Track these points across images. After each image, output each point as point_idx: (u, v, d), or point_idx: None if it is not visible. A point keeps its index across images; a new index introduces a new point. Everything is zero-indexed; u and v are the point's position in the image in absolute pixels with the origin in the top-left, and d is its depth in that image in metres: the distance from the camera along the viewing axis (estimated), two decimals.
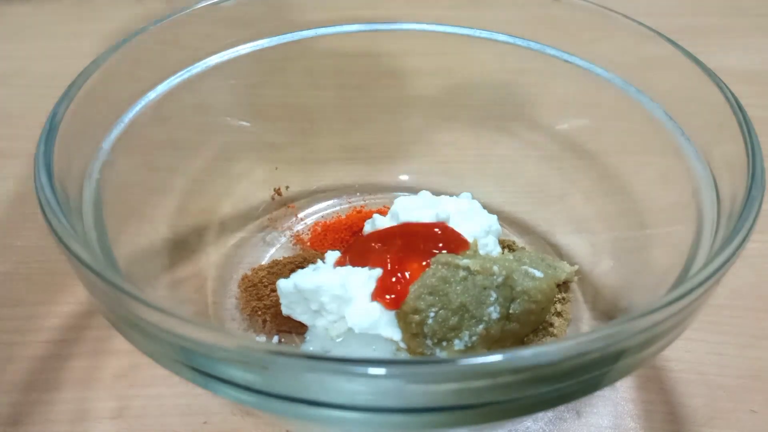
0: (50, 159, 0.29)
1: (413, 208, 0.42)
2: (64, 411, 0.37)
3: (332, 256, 0.41)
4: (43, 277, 0.44)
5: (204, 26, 0.43)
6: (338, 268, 0.39)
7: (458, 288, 0.35)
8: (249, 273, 0.43)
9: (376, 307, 0.36)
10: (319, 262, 0.41)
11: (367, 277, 0.37)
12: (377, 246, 0.39)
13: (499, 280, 0.35)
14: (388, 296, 0.36)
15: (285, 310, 0.38)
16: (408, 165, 0.52)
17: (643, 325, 0.23)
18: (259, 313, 0.40)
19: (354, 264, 0.39)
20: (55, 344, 0.40)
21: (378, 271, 0.38)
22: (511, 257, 0.40)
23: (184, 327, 0.22)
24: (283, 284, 0.38)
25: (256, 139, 0.49)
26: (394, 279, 0.37)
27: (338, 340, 0.37)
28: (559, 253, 0.45)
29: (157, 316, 0.23)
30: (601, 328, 0.22)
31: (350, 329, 0.36)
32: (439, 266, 0.36)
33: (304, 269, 0.40)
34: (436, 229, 0.40)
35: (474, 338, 0.35)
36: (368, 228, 0.44)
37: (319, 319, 0.37)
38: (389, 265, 0.38)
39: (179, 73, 0.41)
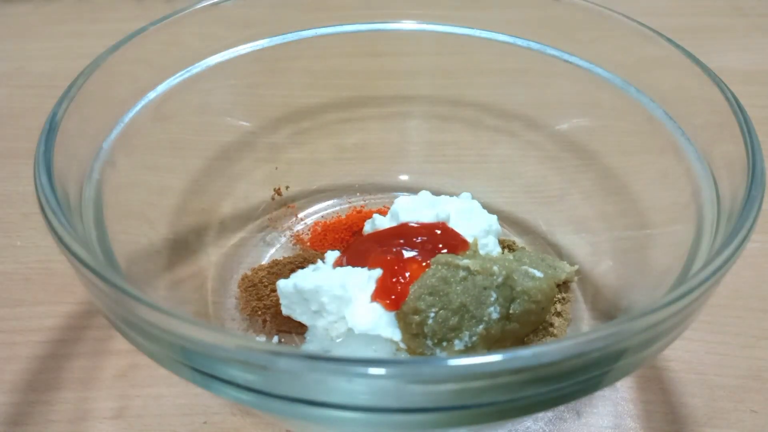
0: (50, 159, 0.29)
1: (413, 208, 0.42)
2: (64, 411, 0.37)
3: (332, 256, 0.41)
4: (43, 277, 0.44)
5: (204, 26, 0.43)
6: (338, 268, 0.39)
7: (458, 288, 0.35)
8: (249, 273, 0.43)
9: (376, 307, 0.36)
10: (319, 262, 0.41)
11: (367, 278, 0.37)
12: (377, 246, 0.39)
13: (499, 280, 0.35)
14: (388, 297, 0.36)
15: (285, 311, 0.38)
16: (408, 165, 0.52)
17: (643, 325, 0.23)
18: (259, 313, 0.40)
19: (354, 264, 0.39)
20: (55, 344, 0.40)
21: (378, 272, 0.38)
22: (511, 257, 0.40)
23: (184, 327, 0.22)
24: (282, 285, 0.38)
25: (256, 139, 0.49)
26: (394, 279, 0.37)
27: (338, 340, 0.37)
28: (559, 253, 0.45)
29: (157, 316, 0.23)
30: (601, 328, 0.22)
31: (350, 330, 0.36)
32: (439, 266, 0.36)
33: (304, 269, 0.40)
34: (436, 230, 0.40)
35: (474, 338, 0.35)
36: (368, 228, 0.44)
37: (319, 319, 0.37)
38: (389, 266, 0.38)
39: (179, 73, 0.41)
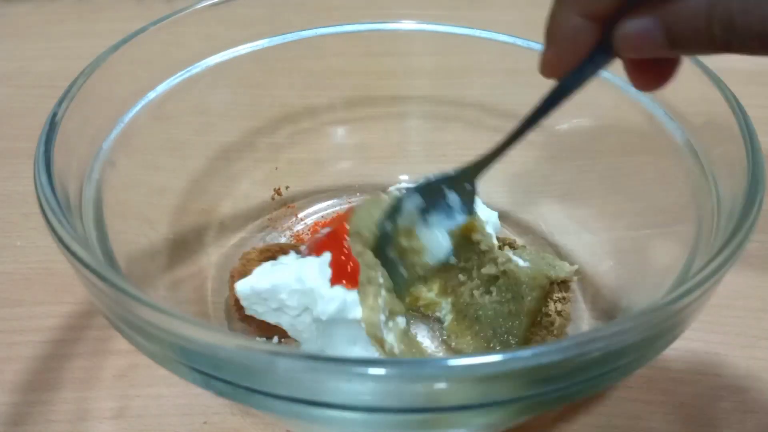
0: (50, 159, 0.29)
1: None
2: (64, 411, 0.37)
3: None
4: (43, 277, 0.44)
5: (204, 26, 0.43)
6: (291, 262, 0.38)
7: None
8: (238, 266, 0.42)
9: (339, 290, 0.36)
10: (280, 258, 0.40)
11: (319, 265, 0.37)
12: (324, 233, 0.39)
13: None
14: (346, 275, 0.36)
15: (248, 312, 0.38)
16: (408, 165, 0.52)
17: (643, 325, 0.23)
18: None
19: (312, 255, 0.39)
20: (55, 344, 0.40)
21: (328, 256, 0.37)
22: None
23: (184, 327, 0.22)
24: (240, 287, 0.37)
25: (256, 139, 0.49)
26: (344, 258, 0.37)
27: (318, 329, 0.37)
28: (559, 253, 0.45)
29: (157, 316, 0.23)
30: (601, 328, 0.22)
31: (317, 319, 0.36)
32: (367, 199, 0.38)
33: (263, 267, 0.39)
34: None
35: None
36: None
37: (282, 316, 0.37)
38: (336, 247, 0.37)
39: (179, 73, 0.41)
